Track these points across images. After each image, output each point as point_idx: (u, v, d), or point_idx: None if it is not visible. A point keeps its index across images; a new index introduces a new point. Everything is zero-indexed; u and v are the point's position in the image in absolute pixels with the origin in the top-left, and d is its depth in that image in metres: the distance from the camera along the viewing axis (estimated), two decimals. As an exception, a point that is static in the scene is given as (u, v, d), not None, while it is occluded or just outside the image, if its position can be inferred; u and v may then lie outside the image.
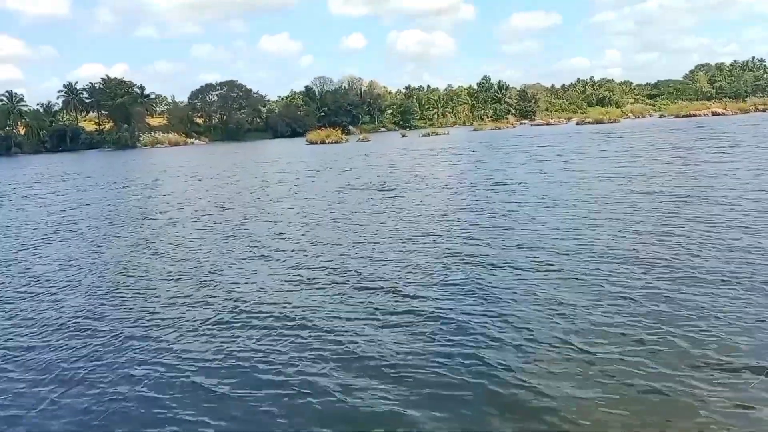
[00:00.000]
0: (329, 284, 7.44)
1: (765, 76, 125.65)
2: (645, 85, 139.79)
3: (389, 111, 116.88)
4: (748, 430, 3.73)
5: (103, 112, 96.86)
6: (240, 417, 4.31)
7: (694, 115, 62.58)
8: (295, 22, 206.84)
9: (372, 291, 7.01)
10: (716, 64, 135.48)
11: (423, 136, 65.17)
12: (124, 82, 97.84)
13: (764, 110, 63.09)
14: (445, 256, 8.45)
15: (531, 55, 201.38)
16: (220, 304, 6.90)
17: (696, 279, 6.57)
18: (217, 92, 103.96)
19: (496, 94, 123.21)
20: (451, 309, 6.19)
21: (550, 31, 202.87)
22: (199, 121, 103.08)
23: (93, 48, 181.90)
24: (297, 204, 15.52)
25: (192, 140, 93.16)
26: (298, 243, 10.20)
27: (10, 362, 5.59)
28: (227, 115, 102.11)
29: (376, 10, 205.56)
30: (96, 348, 5.77)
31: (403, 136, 71.93)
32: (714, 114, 62.54)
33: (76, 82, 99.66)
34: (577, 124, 69.93)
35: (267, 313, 6.44)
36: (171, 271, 8.67)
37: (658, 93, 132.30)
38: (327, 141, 60.80)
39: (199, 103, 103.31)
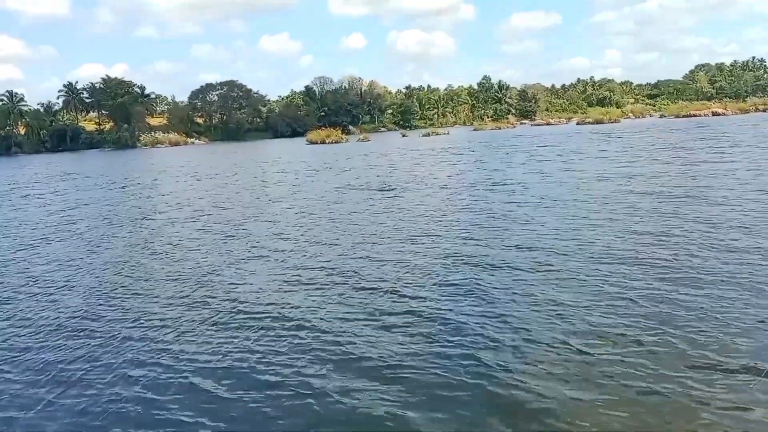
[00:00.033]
0: (328, 285, 7.42)
1: (765, 76, 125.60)
2: (645, 85, 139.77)
3: (389, 111, 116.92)
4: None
5: (103, 111, 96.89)
6: (238, 418, 4.30)
7: (695, 115, 62.57)
8: (295, 22, 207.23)
9: (370, 291, 7.00)
10: (716, 64, 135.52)
11: (423, 136, 65.19)
12: (125, 81, 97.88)
13: (764, 110, 63.07)
14: (444, 257, 8.43)
15: (531, 55, 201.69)
16: (218, 304, 6.88)
17: (695, 280, 6.55)
18: (217, 92, 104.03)
19: (496, 94, 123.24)
20: (449, 310, 6.17)
21: (550, 31, 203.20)
22: (200, 121, 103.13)
23: (93, 48, 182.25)
24: (296, 204, 15.50)
25: (192, 140, 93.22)
26: (297, 243, 10.19)
27: (7, 363, 5.57)
28: (227, 115, 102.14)
29: (376, 10, 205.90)
30: (94, 348, 5.75)
31: (404, 136, 71.96)
32: (714, 114, 62.54)
33: (77, 82, 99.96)
34: (578, 124, 69.90)
35: (265, 313, 6.43)
36: (169, 272, 8.65)
37: (658, 93, 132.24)
38: (327, 141, 60.83)
39: (199, 103, 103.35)
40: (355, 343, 5.43)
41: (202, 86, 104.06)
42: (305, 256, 9.17)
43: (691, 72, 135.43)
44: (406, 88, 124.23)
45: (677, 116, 64.73)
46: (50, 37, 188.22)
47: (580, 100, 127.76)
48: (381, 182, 19.24)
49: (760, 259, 7.13)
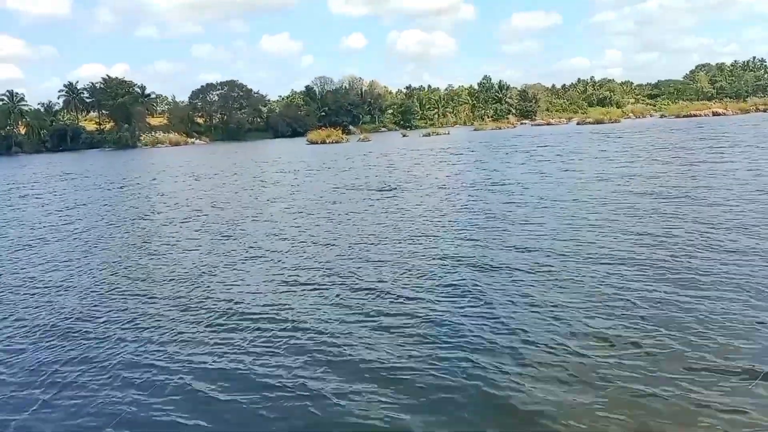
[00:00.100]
0: (325, 285, 7.39)
1: (765, 76, 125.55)
2: (645, 85, 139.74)
3: (390, 111, 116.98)
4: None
5: (103, 111, 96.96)
6: (234, 420, 4.28)
7: (695, 115, 62.55)
8: (295, 22, 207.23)
9: (368, 292, 6.97)
10: (717, 64, 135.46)
11: (423, 136, 65.20)
12: (125, 81, 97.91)
13: (765, 110, 63.02)
14: (442, 258, 8.40)
15: (531, 55, 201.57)
16: (214, 305, 6.85)
17: (694, 281, 6.52)
18: (217, 92, 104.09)
19: (496, 94, 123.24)
20: (447, 311, 6.14)
21: (550, 31, 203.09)
22: (200, 120, 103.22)
23: (93, 48, 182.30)
24: (295, 204, 15.47)
25: (192, 140, 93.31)
26: (295, 244, 10.16)
27: (2, 364, 5.55)
28: (228, 115, 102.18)
29: (376, 10, 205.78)
30: (89, 350, 5.73)
31: (404, 136, 71.97)
32: (715, 114, 62.52)
33: (77, 82, 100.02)
34: (578, 124, 69.87)
35: (262, 314, 6.40)
36: (166, 272, 8.62)
37: (658, 93, 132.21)
38: (327, 141, 60.85)
39: (199, 103, 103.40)
40: (352, 345, 5.40)
41: (202, 86, 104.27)
42: (303, 256, 9.14)
43: (692, 72, 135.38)
44: (407, 88, 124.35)
45: (678, 116, 64.71)
46: (51, 37, 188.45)
47: (581, 100, 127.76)
48: (380, 182, 19.22)
49: (759, 260, 7.10)
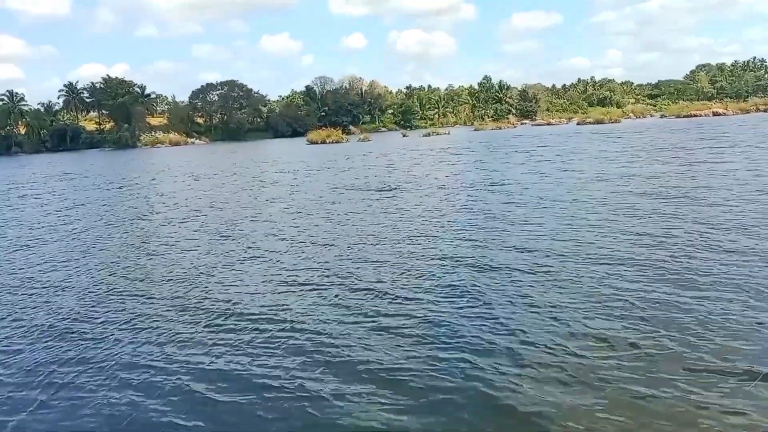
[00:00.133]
0: (324, 286, 7.37)
1: (766, 76, 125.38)
2: (646, 85, 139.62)
3: (390, 111, 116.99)
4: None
5: (103, 111, 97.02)
6: (231, 421, 4.27)
7: (695, 116, 62.51)
8: (295, 21, 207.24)
9: (367, 293, 6.95)
10: (717, 64, 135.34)
11: (424, 136, 65.19)
12: (125, 81, 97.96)
13: (765, 110, 62.95)
14: (442, 258, 8.38)
15: (531, 55, 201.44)
16: (213, 306, 6.84)
17: (693, 281, 6.50)
18: (217, 92, 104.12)
19: (496, 94, 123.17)
20: (446, 312, 6.12)
21: (550, 31, 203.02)
22: (200, 120, 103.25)
23: (93, 48, 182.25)
24: (294, 204, 15.46)
25: (192, 140, 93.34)
26: (294, 244, 10.14)
27: (-1, 364, 5.54)
28: (228, 115, 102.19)
29: (377, 10, 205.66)
30: (86, 350, 5.71)
31: (404, 135, 71.95)
32: (715, 114, 62.48)
33: (77, 82, 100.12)
34: (578, 124, 69.83)
35: (260, 315, 6.38)
36: (164, 273, 8.61)
37: (659, 93, 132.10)
38: (328, 141, 60.85)
39: (199, 103, 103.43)
40: (350, 345, 5.39)
41: (202, 86, 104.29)
42: (302, 257, 9.12)
43: (692, 72, 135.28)
44: (407, 88, 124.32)
45: (678, 116, 64.67)
46: (51, 37, 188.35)
47: (581, 100, 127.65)
48: (380, 182, 19.20)
49: (758, 260, 7.08)
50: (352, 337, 5.60)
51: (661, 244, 8.19)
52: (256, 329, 5.96)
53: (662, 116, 73.11)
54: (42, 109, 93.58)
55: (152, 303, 7.10)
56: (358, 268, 8.15)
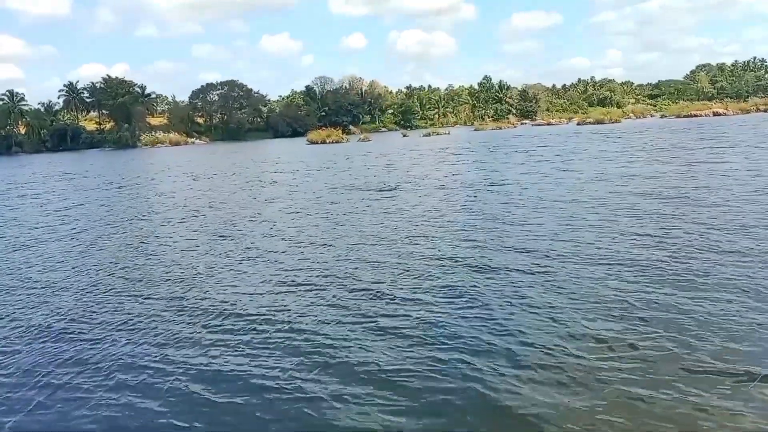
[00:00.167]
0: (322, 286, 7.36)
1: (766, 76, 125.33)
2: (646, 86, 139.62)
3: (390, 111, 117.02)
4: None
5: (103, 111, 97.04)
6: (229, 422, 4.25)
7: (696, 116, 62.53)
8: (295, 21, 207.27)
9: (366, 293, 6.94)
10: (717, 65, 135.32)
11: (424, 136, 65.20)
12: (125, 81, 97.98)
13: (765, 110, 62.96)
14: (441, 259, 8.37)
15: (531, 55, 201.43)
16: (211, 306, 6.82)
17: (693, 282, 6.49)
18: (217, 92, 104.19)
19: (497, 94, 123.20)
20: (444, 313, 6.11)
21: (550, 31, 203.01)
22: (200, 120, 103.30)
23: (93, 48, 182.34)
24: (293, 205, 15.45)
25: (193, 140, 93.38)
26: (292, 245, 10.13)
27: (-4, 365, 5.52)
28: (228, 115, 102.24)
29: (377, 10, 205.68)
30: (84, 351, 5.70)
31: (404, 135, 71.96)
32: (715, 114, 62.51)
33: (77, 82, 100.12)
34: (578, 124, 69.83)
35: (259, 316, 6.37)
36: (163, 273, 8.60)
37: (659, 93, 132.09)
38: (328, 141, 60.87)
39: (199, 103, 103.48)
40: (348, 346, 5.38)
41: (202, 86, 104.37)
42: (300, 257, 9.11)
43: (692, 72, 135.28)
44: (407, 88, 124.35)
45: (678, 116, 64.70)
46: (51, 37, 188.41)
47: (581, 100, 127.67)
48: (380, 182, 19.19)
49: (758, 261, 7.06)
50: (350, 337, 5.59)
51: (660, 245, 8.17)
52: (255, 330, 5.95)
53: (662, 116, 73.11)
54: (42, 109, 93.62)
55: (150, 303, 7.09)
56: (356, 268, 8.14)
